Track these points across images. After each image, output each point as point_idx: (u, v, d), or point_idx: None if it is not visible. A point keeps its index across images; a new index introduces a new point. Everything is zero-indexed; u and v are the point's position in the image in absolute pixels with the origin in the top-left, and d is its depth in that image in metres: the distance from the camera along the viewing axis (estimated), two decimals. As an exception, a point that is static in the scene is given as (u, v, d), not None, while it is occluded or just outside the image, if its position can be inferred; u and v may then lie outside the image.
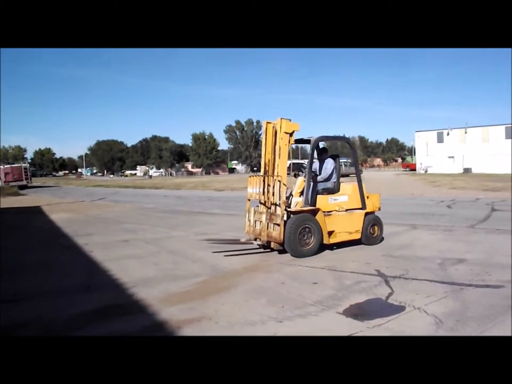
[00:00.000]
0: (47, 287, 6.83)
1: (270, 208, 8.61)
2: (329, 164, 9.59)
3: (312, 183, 9.22)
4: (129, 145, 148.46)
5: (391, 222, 12.54)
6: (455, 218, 13.55)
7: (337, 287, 6.24)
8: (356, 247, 9.19)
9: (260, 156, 10.38)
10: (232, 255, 8.69)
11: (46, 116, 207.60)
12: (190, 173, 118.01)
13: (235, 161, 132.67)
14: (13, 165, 52.55)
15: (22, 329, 5.00)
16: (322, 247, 8.68)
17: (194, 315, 5.27)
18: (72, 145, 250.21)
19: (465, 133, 64.01)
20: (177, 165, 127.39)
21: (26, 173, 48.02)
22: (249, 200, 9.26)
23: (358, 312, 5.18)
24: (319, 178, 9.51)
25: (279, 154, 8.47)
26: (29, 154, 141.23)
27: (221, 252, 8.83)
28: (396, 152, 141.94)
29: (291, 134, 8.53)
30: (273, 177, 8.47)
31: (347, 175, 52.19)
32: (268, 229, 8.56)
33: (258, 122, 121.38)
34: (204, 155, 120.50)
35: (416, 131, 71.66)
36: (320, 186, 9.34)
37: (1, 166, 50.51)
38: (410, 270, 7.04)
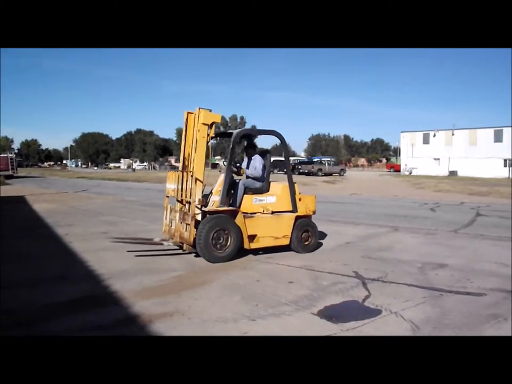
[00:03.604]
0: (23, 277, 6.75)
1: (184, 206, 8.11)
2: (257, 161, 8.86)
3: (236, 181, 8.63)
4: (113, 138, 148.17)
5: (372, 223, 12.58)
6: (438, 221, 13.52)
7: (313, 287, 6.18)
8: (334, 247, 9.15)
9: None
10: (144, 255, 8.18)
11: (33, 108, 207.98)
12: (173, 167, 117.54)
13: (218, 157, 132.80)
14: None
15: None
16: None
17: (167, 309, 5.23)
18: (58, 137, 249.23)
19: (452, 135, 63.88)
20: (160, 159, 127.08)
21: (12, 163, 47.34)
22: (167, 197, 8.83)
23: (332, 314, 5.12)
24: (247, 173, 8.85)
25: (195, 148, 7.88)
26: (16, 145, 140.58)
27: (133, 251, 8.25)
28: (381, 153, 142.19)
29: (210, 126, 7.94)
30: (187, 172, 7.97)
31: (330, 174, 52.64)
32: (181, 229, 7.96)
33: (242, 118, 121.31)
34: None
35: (402, 131, 71.51)
36: (247, 185, 8.56)
37: (-12, 156, 49.99)
38: (389, 273, 6.98)
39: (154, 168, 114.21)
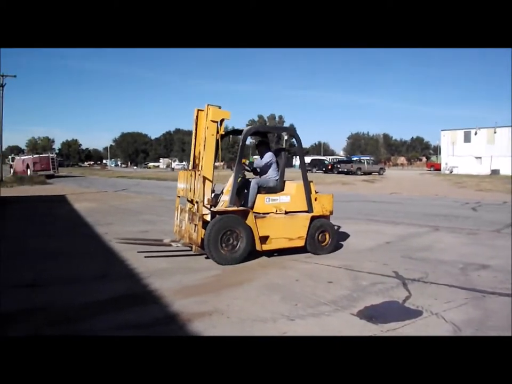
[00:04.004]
0: (65, 274, 6.90)
1: (194, 206, 7.80)
2: (267, 157, 8.52)
3: (249, 180, 8.34)
4: (153, 137, 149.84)
5: (412, 223, 12.40)
6: (480, 221, 13.21)
7: (353, 288, 6.12)
8: (374, 247, 9.06)
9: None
10: (155, 256, 8.08)
11: (73, 109, 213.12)
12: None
13: (256, 156, 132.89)
14: (41, 155, 52.82)
15: (39, 313, 5.12)
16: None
17: (206, 308, 5.25)
18: (98, 137, 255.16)
19: (494, 132, 61.87)
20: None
21: (53, 163, 48.19)
22: (178, 196, 8.77)
23: (372, 314, 5.06)
24: (255, 165, 8.72)
25: (204, 146, 7.64)
26: (57, 145, 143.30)
27: (143, 252, 8.21)
28: (421, 151, 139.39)
29: (220, 123, 7.71)
30: (195, 171, 7.73)
31: (369, 173, 52.25)
32: (190, 229, 7.76)
33: (280, 117, 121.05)
34: (225, 149, 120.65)
35: (442, 130, 69.79)
36: (260, 184, 8.22)
37: (30, 156, 51.09)
38: (429, 274, 6.86)
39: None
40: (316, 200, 8.39)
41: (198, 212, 7.44)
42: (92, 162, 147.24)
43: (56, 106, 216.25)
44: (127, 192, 26.31)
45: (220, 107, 7.68)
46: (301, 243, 8.16)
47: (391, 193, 25.20)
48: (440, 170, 69.53)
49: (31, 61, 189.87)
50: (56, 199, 20.70)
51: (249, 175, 8.79)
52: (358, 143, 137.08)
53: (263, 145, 8.91)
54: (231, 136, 9.43)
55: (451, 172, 63.73)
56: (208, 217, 7.61)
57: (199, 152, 7.95)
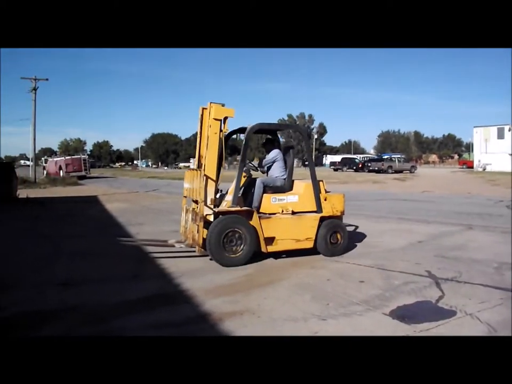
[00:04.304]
0: (96, 274, 6.99)
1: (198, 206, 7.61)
2: (271, 155, 8.37)
3: (255, 180, 8.08)
4: (183, 138, 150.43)
5: (445, 221, 12.23)
6: (514, 219, 12.90)
7: (385, 287, 6.06)
8: (406, 246, 8.95)
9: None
10: (160, 257, 7.97)
11: (104, 110, 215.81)
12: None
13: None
14: (73, 156, 53.63)
15: (71, 313, 5.20)
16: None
17: (237, 308, 5.27)
18: (128, 138, 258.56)
19: (529, 129, 60.92)
20: (229, 158, 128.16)
21: (85, 164, 48.88)
22: (185, 197, 8.57)
23: (405, 314, 5.00)
24: (264, 162, 8.44)
25: (207, 145, 7.52)
26: (88, 147, 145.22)
27: (150, 253, 8.26)
28: (453, 149, 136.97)
29: (224, 121, 7.55)
30: (198, 171, 7.61)
31: (400, 171, 51.62)
32: (194, 230, 7.58)
33: (310, 116, 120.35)
34: (255, 149, 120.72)
35: (475, 126, 68.47)
36: (266, 183, 8.01)
37: (63, 157, 51.87)
38: (463, 273, 6.76)
39: (223, 167, 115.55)
40: (325, 200, 8.12)
41: (199, 211, 7.37)
42: (123, 163, 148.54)
43: (88, 108, 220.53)
44: (158, 192, 26.56)
45: (223, 105, 7.57)
46: (309, 244, 7.92)
47: (422, 191, 24.92)
48: (472, 167, 68.19)
49: (63, 63, 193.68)
50: (88, 200, 21.01)
51: (257, 174, 8.67)
52: (388, 141, 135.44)
53: (269, 143, 8.80)
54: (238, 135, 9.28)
55: (484, 169, 62.50)
56: (211, 218, 7.53)
57: (204, 151, 7.81)
